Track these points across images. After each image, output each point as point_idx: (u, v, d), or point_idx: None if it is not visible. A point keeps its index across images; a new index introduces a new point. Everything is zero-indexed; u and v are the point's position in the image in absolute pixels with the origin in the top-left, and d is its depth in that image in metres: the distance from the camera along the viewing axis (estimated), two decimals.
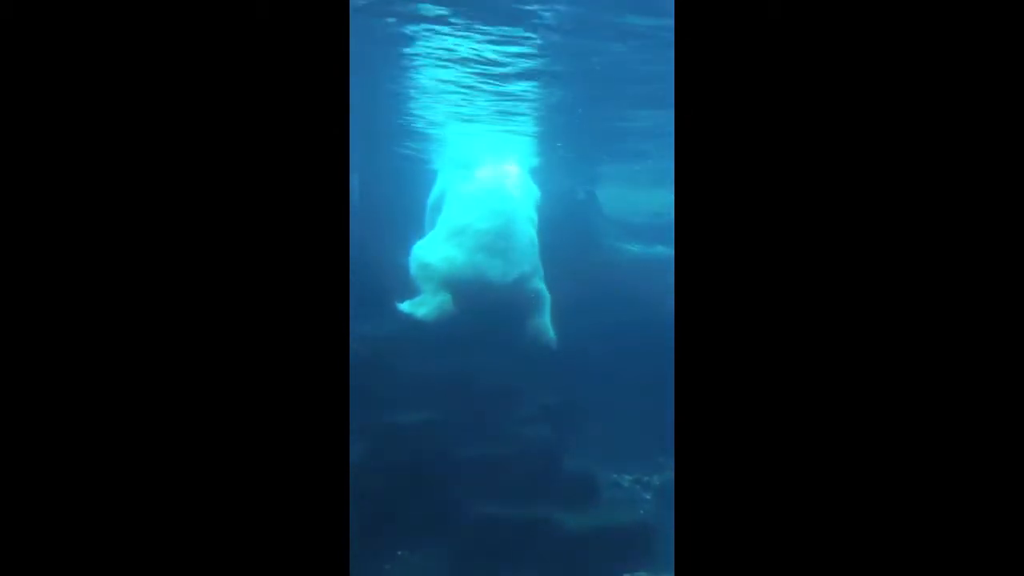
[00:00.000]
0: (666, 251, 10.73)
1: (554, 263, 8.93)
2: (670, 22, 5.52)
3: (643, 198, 13.14)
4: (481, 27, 6.20)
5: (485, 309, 8.23)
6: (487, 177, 9.15)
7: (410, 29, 6.32)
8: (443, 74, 7.57)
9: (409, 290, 8.31)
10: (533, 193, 9.43)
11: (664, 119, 8.97)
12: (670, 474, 9.62)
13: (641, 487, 9.40)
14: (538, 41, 6.51)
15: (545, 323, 8.60)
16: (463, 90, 8.07)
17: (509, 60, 6.96)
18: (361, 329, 7.73)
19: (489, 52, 6.78)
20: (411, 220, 9.62)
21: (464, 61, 7.04)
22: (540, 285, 8.70)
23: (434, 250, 8.42)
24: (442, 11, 5.88)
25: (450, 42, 6.58)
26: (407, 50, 6.92)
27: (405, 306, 8.04)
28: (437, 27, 6.19)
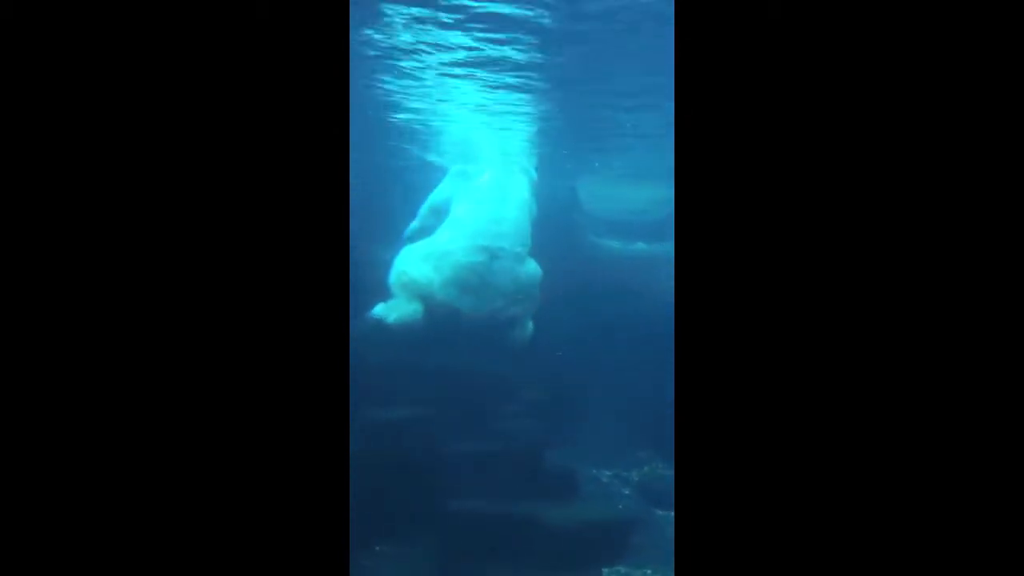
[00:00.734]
0: (647, 247, 10.80)
1: (536, 259, 8.95)
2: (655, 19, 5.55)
3: (624, 195, 13.20)
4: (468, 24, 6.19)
5: (457, 330, 8.28)
6: (484, 193, 9.03)
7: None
8: (426, 65, 7.53)
9: (385, 292, 8.30)
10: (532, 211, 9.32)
11: (647, 116, 9.02)
12: (648, 469, 9.70)
13: (620, 482, 9.47)
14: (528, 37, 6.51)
15: (524, 338, 8.63)
16: (450, 81, 8.04)
17: (497, 51, 6.95)
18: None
19: (473, 43, 6.76)
20: (395, 217, 9.57)
21: (450, 50, 7.02)
22: (527, 323, 8.67)
23: (416, 263, 8.38)
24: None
25: (435, 34, 6.56)
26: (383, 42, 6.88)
27: (378, 309, 8.04)
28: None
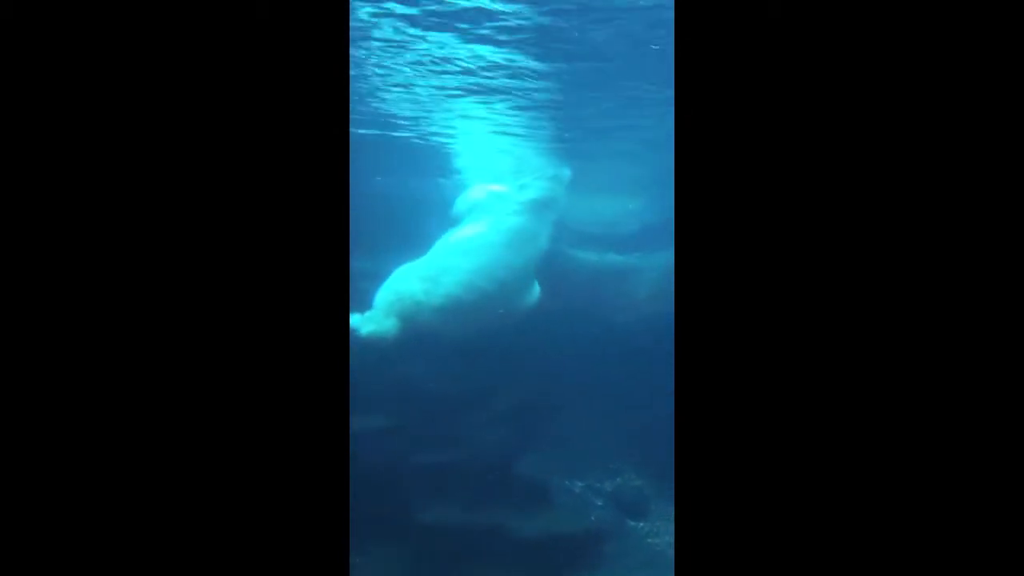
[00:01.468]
0: (619, 259, 10.85)
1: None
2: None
3: (596, 207, 13.26)
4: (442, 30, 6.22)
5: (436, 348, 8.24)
6: (498, 233, 8.82)
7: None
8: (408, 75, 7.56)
9: (363, 302, 8.23)
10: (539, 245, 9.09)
11: (621, 133, 9.09)
12: (621, 480, 9.71)
13: (593, 493, 9.46)
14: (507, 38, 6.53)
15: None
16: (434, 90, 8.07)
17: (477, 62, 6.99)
18: None
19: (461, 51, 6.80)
20: (382, 228, 9.50)
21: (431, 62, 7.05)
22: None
23: (408, 282, 8.29)
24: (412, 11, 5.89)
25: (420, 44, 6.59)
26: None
27: (354, 319, 7.97)
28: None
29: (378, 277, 8.39)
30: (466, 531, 7.61)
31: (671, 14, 5.39)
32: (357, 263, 8.55)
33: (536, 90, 7.52)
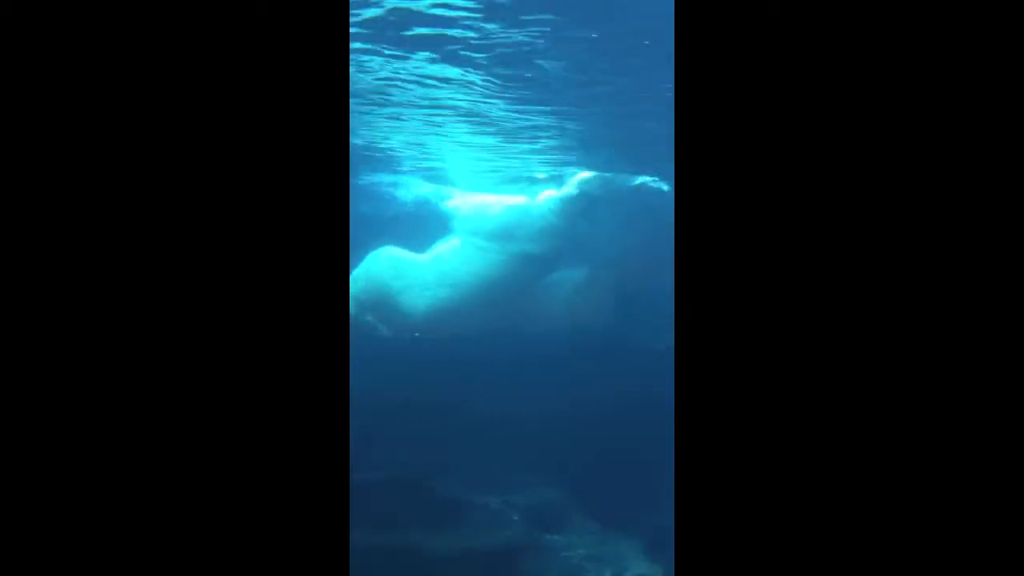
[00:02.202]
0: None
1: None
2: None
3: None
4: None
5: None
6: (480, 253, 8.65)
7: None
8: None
9: None
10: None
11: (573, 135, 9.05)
12: (536, 494, 9.67)
13: (510, 508, 9.38)
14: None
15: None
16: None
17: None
18: None
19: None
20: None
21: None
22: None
23: (399, 277, 8.05)
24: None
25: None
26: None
27: None
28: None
29: None
30: (380, 551, 7.41)
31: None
32: None
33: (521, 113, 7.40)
